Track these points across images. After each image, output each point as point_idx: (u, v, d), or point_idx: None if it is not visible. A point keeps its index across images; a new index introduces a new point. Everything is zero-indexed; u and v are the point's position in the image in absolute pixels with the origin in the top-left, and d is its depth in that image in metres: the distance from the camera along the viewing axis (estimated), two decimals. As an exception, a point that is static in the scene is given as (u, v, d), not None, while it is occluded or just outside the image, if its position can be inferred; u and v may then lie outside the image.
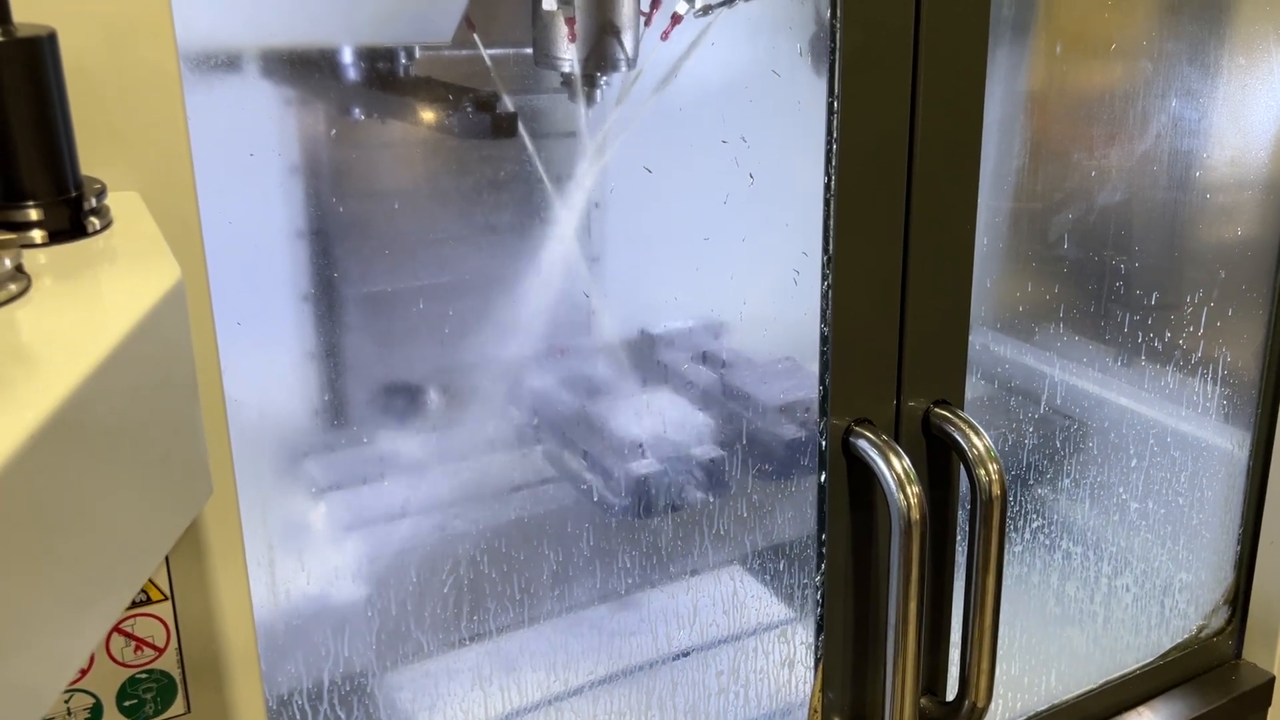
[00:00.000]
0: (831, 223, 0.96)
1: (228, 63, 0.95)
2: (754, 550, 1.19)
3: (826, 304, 0.98)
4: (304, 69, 1.02)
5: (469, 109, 1.15)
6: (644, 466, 1.10)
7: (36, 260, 0.54)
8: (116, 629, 0.68)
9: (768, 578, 1.19)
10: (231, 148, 0.90)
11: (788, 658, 1.18)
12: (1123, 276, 1.34)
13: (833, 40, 0.92)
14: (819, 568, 1.05)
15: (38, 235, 0.54)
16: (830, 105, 0.94)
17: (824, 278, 0.97)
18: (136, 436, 0.47)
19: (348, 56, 1.10)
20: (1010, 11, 1.22)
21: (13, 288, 0.48)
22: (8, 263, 0.47)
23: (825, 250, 0.97)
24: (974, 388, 1.35)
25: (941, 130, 0.98)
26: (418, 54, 1.16)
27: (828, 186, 0.95)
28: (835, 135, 0.94)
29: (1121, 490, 1.39)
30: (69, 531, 0.42)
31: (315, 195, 1.01)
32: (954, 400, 1.07)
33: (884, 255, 0.99)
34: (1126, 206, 1.35)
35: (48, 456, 0.40)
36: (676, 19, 1.22)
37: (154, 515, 0.50)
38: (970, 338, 1.10)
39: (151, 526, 0.50)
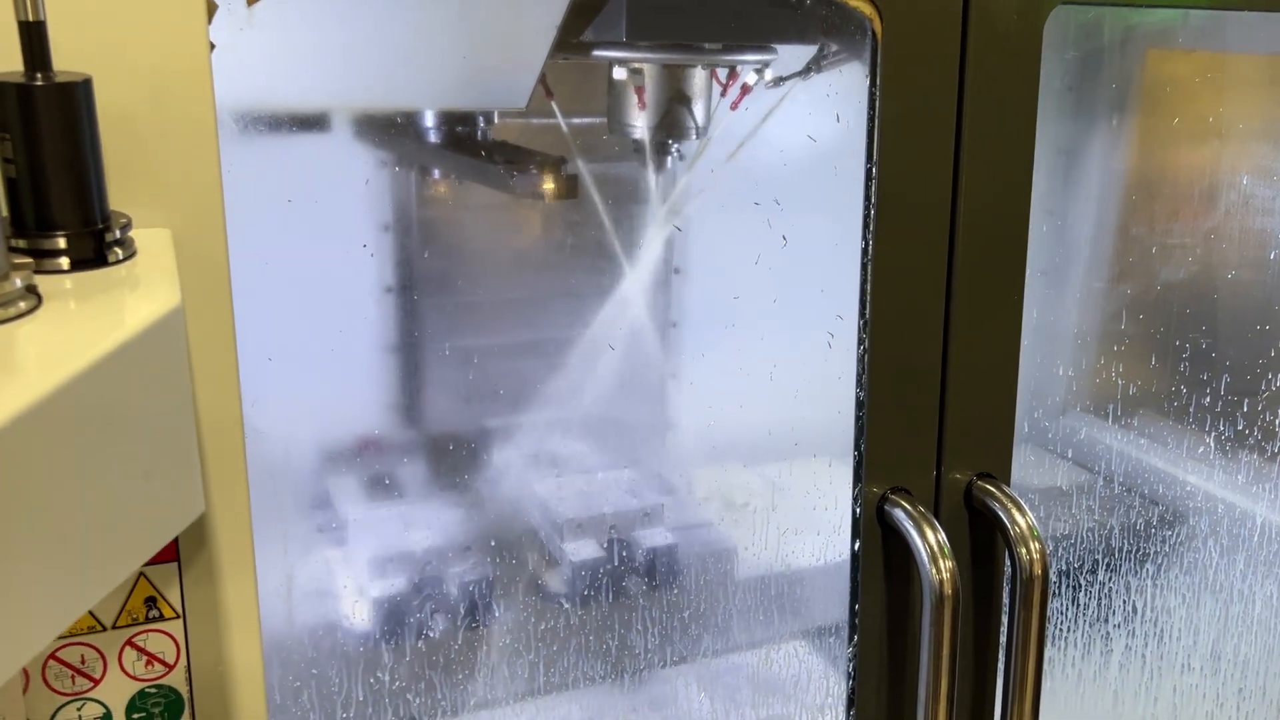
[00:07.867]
0: (869, 287, 0.95)
1: (312, 122, 1.01)
2: (784, 624, 1.16)
3: (862, 368, 0.97)
4: (377, 130, 1.08)
5: (532, 170, 1.19)
6: (389, 587, 1.06)
7: (62, 285, 0.59)
8: (129, 643, 0.72)
9: (801, 650, 1.16)
10: (270, 196, 0.95)
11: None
12: (1212, 360, 1.29)
13: (872, 108, 0.93)
14: (851, 639, 1.03)
15: (64, 262, 0.59)
16: (869, 171, 0.94)
17: (860, 342, 0.97)
18: (117, 446, 0.51)
19: (428, 120, 1.16)
20: (1060, 84, 1.20)
21: (21, 305, 0.52)
22: (19, 282, 0.52)
23: (862, 315, 0.97)
24: (1049, 473, 1.30)
25: (986, 197, 0.97)
26: (496, 119, 1.22)
27: (865, 250, 0.95)
28: (874, 200, 0.94)
29: (1197, 579, 1.32)
30: (38, 520, 0.45)
31: (355, 243, 1.06)
32: (999, 474, 1.04)
33: (924, 322, 0.98)
34: (1217, 287, 1.30)
35: (14, 454, 0.43)
36: (746, 89, 1.25)
37: (135, 522, 0.53)
38: (1049, 422, 1.05)
39: (132, 531, 0.53)
